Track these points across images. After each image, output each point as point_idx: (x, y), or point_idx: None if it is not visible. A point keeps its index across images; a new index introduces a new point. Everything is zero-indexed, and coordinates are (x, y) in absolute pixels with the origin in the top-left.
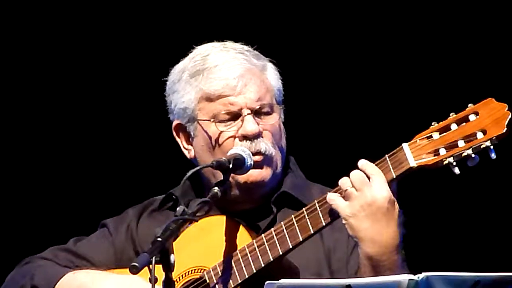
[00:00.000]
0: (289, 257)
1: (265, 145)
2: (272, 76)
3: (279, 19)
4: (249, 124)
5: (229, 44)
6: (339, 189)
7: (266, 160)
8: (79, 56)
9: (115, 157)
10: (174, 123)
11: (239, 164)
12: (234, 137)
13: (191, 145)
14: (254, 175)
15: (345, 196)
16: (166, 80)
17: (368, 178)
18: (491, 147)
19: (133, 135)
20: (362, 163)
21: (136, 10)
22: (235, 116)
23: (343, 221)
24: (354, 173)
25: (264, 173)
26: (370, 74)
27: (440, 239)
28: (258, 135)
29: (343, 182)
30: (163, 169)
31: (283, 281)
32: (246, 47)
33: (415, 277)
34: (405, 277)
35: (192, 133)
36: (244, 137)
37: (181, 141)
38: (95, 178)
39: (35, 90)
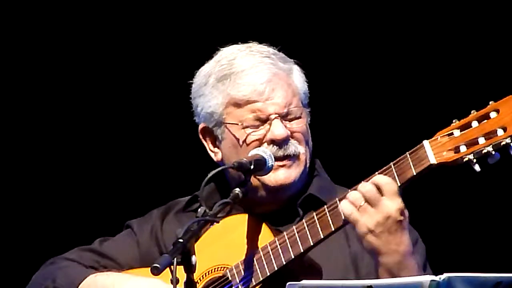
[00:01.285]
0: (314, 260)
1: (294, 147)
2: (298, 79)
3: (302, 20)
4: (278, 129)
5: (255, 46)
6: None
7: (294, 161)
8: (105, 59)
9: (142, 159)
10: (200, 126)
11: (260, 165)
12: (262, 140)
13: (218, 148)
14: (282, 177)
15: (360, 211)
16: (191, 83)
17: (378, 189)
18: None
19: (160, 137)
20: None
21: (160, 12)
22: (263, 121)
23: (361, 238)
24: (366, 187)
25: (293, 175)
26: (393, 74)
27: (462, 239)
28: (286, 139)
29: (356, 197)
30: (189, 171)
31: (305, 282)
32: (272, 50)
33: (436, 278)
34: (427, 278)
35: (219, 136)
36: (272, 141)
37: (207, 144)
38: (121, 179)
39: (62, 95)
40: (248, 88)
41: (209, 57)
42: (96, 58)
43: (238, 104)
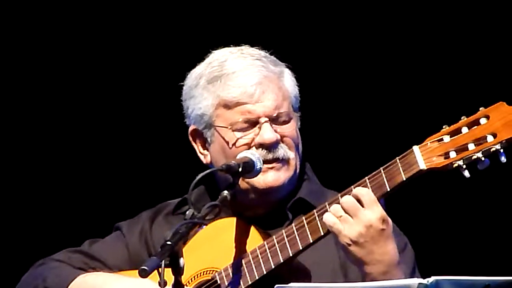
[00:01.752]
0: (303, 264)
1: (284, 151)
2: (289, 83)
3: (294, 23)
4: (267, 133)
5: (246, 49)
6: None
7: (284, 164)
8: (96, 63)
9: (131, 161)
10: (190, 128)
11: (248, 167)
12: (250, 144)
13: (208, 150)
14: (271, 179)
15: (342, 222)
16: (183, 85)
17: (358, 200)
18: (501, 150)
19: (149, 139)
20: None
21: (152, 14)
22: (252, 123)
23: (344, 249)
24: (345, 200)
25: (282, 177)
26: (382, 79)
27: (450, 242)
28: (276, 143)
29: (337, 209)
30: (178, 173)
31: (293, 284)
32: (263, 53)
33: (424, 281)
34: (415, 281)
35: (209, 139)
36: (261, 145)
37: (197, 146)
38: (111, 181)
39: (48, 105)
40: (238, 90)
41: (201, 59)
42: (83, 65)
43: (227, 106)
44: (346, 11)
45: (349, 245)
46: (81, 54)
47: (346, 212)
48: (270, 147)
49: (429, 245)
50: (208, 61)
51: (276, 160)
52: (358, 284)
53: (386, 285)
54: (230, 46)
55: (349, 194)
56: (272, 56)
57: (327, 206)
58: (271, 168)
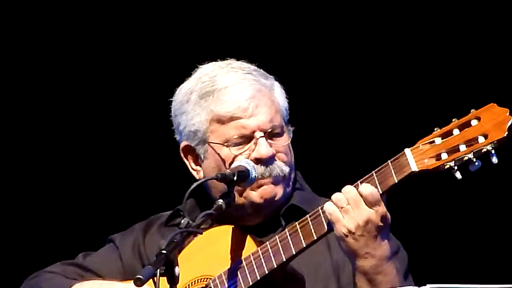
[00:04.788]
0: (296, 270)
1: (280, 168)
2: (279, 96)
3: (278, 30)
4: (263, 148)
5: (235, 63)
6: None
7: (279, 180)
8: (83, 73)
9: (123, 174)
10: (182, 145)
11: (243, 176)
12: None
13: (200, 166)
14: (269, 195)
15: (342, 212)
16: (171, 100)
17: (360, 194)
18: (492, 151)
19: (141, 152)
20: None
21: (138, 29)
22: (248, 139)
23: (339, 239)
24: (348, 190)
25: (277, 190)
26: (374, 81)
27: (444, 249)
28: (272, 158)
29: (339, 198)
30: (170, 185)
31: None
32: (252, 66)
33: None
34: None
35: (202, 155)
36: (258, 160)
37: (189, 163)
38: (103, 194)
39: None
40: (232, 105)
41: (187, 74)
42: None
43: (221, 121)
44: (335, 15)
45: (346, 235)
46: (72, 68)
47: (349, 203)
48: (267, 162)
49: (423, 251)
50: (197, 76)
51: (274, 176)
52: None
53: None
54: (217, 61)
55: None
56: (260, 69)
57: (320, 211)
58: (268, 183)
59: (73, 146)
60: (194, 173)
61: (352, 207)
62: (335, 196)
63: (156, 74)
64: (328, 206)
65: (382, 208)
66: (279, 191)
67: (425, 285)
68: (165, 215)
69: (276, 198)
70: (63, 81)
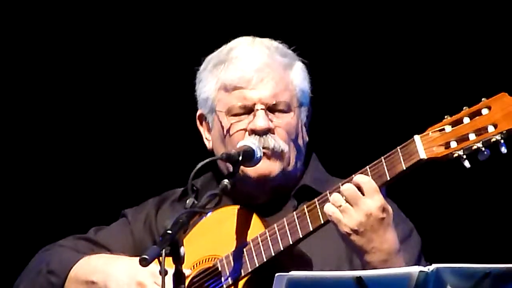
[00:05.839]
0: (308, 253)
1: (274, 141)
2: (297, 76)
3: (301, 19)
4: (259, 120)
5: (261, 39)
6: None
7: (274, 155)
8: (98, 53)
9: (138, 148)
10: (198, 113)
11: (248, 156)
12: (245, 130)
13: (211, 135)
14: (261, 167)
15: (341, 211)
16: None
17: (359, 188)
18: (502, 141)
19: (156, 128)
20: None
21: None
22: (248, 110)
23: (344, 239)
24: (345, 187)
25: (272, 167)
26: (387, 70)
27: (451, 231)
28: (267, 131)
29: (337, 199)
30: (185, 161)
31: (293, 273)
32: (276, 44)
33: (425, 269)
34: (415, 269)
35: (210, 124)
36: (253, 131)
37: (204, 131)
38: (118, 169)
39: (53, 90)
40: (237, 74)
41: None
42: (86, 51)
43: (226, 89)
44: (346, 6)
45: (349, 234)
46: (80, 43)
47: (346, 200)
48: (262, 134)
49: (430, 233)
50: (221, 48)
51: (266, 148)
52: (359, 272)
53: (387, 273)
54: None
55: (350, 182)
56: (285, 48)
57: (328, 194)
58: (262, 157)
59: (89, 120)
60: (206, 142)
61: (351, 204)
62: (333, 196)
63: (173, 50)
64: (328, 208)
65: (381, 199)
66: (274, 167)
67: (430, 265)
68: (179, 191)
69: (271, 175)
70: (67, 56)
